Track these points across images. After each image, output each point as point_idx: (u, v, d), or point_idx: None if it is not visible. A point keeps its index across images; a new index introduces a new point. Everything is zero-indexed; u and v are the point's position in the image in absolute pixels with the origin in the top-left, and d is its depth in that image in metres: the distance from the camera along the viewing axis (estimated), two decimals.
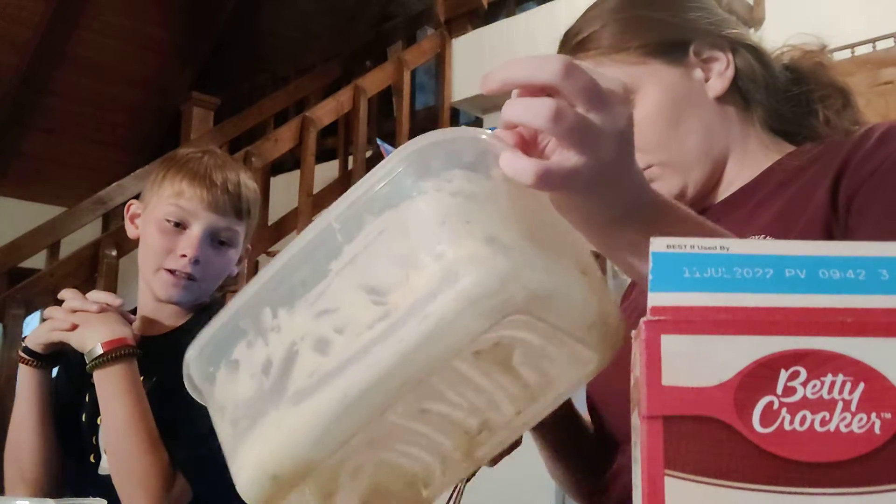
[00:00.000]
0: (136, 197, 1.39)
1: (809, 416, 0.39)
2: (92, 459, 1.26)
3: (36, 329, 1.25)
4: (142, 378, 1.20)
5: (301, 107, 5.00)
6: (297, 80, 5.59)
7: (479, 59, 4.39)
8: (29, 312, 3.32)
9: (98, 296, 1.24)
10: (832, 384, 0.40)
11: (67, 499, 0.95)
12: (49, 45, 5.72)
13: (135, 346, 1.20)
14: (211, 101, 5.15)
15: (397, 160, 0.51)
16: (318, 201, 4.04)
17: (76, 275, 3.44)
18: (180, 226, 1.27)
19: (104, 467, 1.23)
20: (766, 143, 0.93)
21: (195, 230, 1.26)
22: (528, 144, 0.56)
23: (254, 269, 4.08)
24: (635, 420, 0.43)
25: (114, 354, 1.17)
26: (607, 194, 0.57)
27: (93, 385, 1.19)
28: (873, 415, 0.39)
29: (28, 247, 3.87)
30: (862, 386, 0.39)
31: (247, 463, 0.51)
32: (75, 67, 5.90)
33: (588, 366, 0.56)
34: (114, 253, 3.52)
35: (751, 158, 0.92)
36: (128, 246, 3.35)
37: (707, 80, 0.91)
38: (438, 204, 0.49)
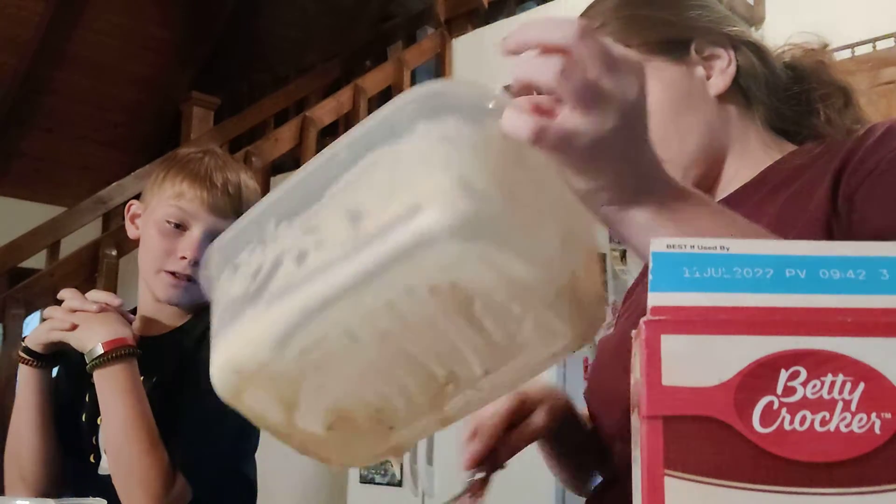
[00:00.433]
0: (137, 197, 1.39)
1: (809, 416, 0.39)
2: (92, 459, 1.26)
3: (36, 329, 1.25)
4: (142, 378, 1.20)
5: (301, 107, 5.00)
6: (297, 80, 5.59)
7: (479, 58, 4.39)
8: (29, 312, 3.32)
9: (98, 296, 1.24)
10: (832, 384, 0.40)
11: (67, 499, 0.95)
12: (49, 45, 5.72)
13: (135, 345, 1.20)
14: (211, 100, 5.15)
15: (403, 101, 0.54)
16: None
17: (76, 275, 3.45)
18: (180, 227, 1.27)
19: (104, 467, 1.23)
20: (766, 142, 0.92)
21: (195, 232, 1.26)
22: (542, 111, 0.55)
23: None
24: (635, 420, 0.43)
25: (114, 354, 1.17)
26: (613, 165, 0.56)
27: (93, 385, 1.19)
28: (873, 415, 0.39)
29: (28, 247, 3.87)
30: (862, 386, 0.39)
31: (219, 356, 0.56)
32: (75, 67, 5.90)
33: (559, 340, 0.57)
34: (114, 253, 3.52)
35: (751, 157, 0.91)
36: (128, 246, 3.35)
37: (709, 77, 0.90)
38: (424, 145, 0.52)
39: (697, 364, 0.40)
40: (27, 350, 1.24)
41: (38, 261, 3.97)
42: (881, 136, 0.81)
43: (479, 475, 0.85)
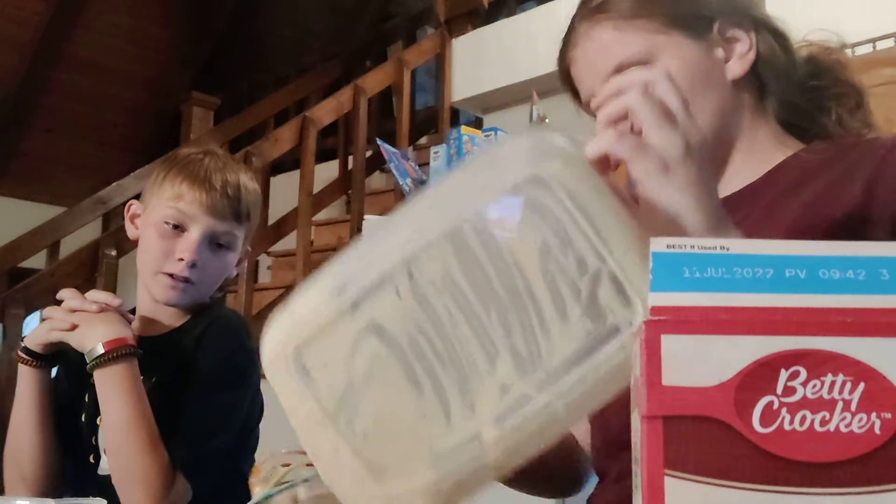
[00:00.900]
0: (137, 197, 1.39)
1: (809, 416, 0.39)
2: (92, 459, 1.26)
3: (35, 329, 1.25)
4: (142, 378, 1.20)
5: (301, 107, 4.99)
6: (297, 80, 5.58)
7: (479, 59, 4.39)
8: (29, 312, 3.31)
9: (97, 295, 1.24)
10: (832, 384, 0.39)
11: (67, 499, 0.95)
12: (49, 45, 5.71)
13: (135, 345, 1.20)
14: (211, 100, 5.14)
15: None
16: (318, 201, 4.03)
17: (76, 275, 3.44)
18: (179, 228, 1.26)
19: (104, 467, 1.23)
20: (777, 136, 0.91)
21: (194, 234, 1.26)
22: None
23: (254, 269, 4.08)
24: (635, 420, 0.43)
25: (114, 354, 1.17)
26: (697, 186, 0.62)
27: (93, 385, 1.19)
28: (873, 415, 0.39)
29: (28, 247, 3.87)
30: (862, 386, 0.39)
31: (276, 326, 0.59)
32: (75, 67, 5.89)
33: None
34: (114, 253, 3.51)
35: (760, 150, 0.90)
36: (128, 246, 3.35)
37: (727, 60, 0.88)
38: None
39: (697, 364, 0.40)
40: (27, 350, 1.24)
41: (38, 261, 3.96)
42: None
43: None
